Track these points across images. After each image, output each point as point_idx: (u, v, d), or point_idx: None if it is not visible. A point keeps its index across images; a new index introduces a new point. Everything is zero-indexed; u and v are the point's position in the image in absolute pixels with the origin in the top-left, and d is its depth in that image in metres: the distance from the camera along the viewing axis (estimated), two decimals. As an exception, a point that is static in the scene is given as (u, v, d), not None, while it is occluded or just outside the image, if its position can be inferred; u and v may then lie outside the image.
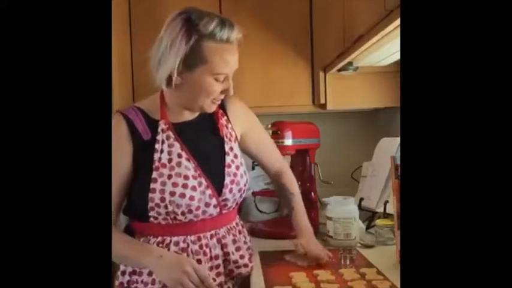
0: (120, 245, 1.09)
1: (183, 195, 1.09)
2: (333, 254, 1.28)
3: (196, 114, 1.19)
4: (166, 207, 1.09)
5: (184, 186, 1.09)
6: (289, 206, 1.32)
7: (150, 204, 1.09)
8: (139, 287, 1.11)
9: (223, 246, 1.17)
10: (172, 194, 1.08)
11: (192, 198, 1.10)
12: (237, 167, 1.19)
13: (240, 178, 1.19)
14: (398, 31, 1.04)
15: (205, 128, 1.19)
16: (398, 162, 1.18)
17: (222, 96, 1.14)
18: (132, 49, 2.01)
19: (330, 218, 1.42)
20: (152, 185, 1.08)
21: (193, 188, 1.10)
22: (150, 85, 1.98)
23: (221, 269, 1.16)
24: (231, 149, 1.20)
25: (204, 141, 1.17)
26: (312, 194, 1.69)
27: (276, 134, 1.62)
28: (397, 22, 0.96)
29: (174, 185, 1.08)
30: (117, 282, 1.14)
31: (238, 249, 1.20)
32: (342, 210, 1.41)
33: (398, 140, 1.57)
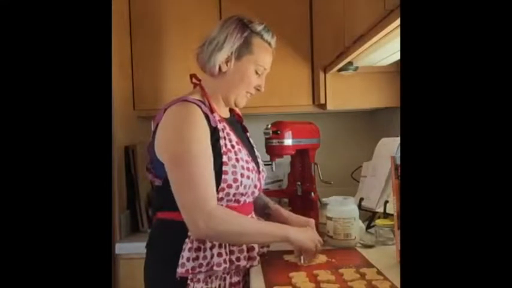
0: (261, 225, 1.21)
1: (248, 177, 1.20)
2: (332, 254, 1.28)
3: (228, 114, 1.32)
4: (237, 187, 1.17)
5: (248, 169, 1.20)
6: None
7: (222, 185, 1.15)
8: (202, 270, 1.13)
9: None
10: (242, 175, 1.18)
11: (252, 180, 1.22)
12: (260, 161, 1.34)
13: (265, 171, 1.34)
14: (398, 31, 1.04)
15: (237, 125, 1.34)
16: (398, 162, 1.18)
17: (254, 92, 1.28)
18: (132, 49, 2.01)
19: (330, 218, 1.42)
20: (224, 168, 1.15)
21: (251, 171, 1.22)
22: (150, 85, 2.00)
23: (253, 253, 1.23)
24: (254, 144, 1.37)
25: (241, 135, 1.31)
26: (312, 194, 1.68)
27: (276, 134, 1.62)
28: (397, 22, 0.97)
29: (243, 168, 1.19)
30: (182, 270, 1.12)
31: None
32: (342, 210, 1.41)
33: (398, 140, 1.57)
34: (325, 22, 1.76)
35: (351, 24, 1.32)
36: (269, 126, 1.65)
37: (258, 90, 1.29)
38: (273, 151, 1.64)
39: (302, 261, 1.22)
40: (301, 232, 1.21)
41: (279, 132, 1.62)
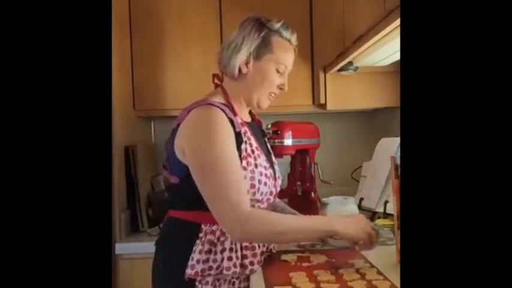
0: (301, 221, 1.15)
1: (265, 184, 1.18)
2: (332, 254, 1.28)
3: (249, 118, 1.31)
4: (254, 194, 1.15)
5: (265, 175, 1.19)
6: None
7: None
8: (212, 273, 1.12)
9: None
10: (260, 181, 1.17)
11: (268, 187, 1.20)
12: (276, 167, 1.33)
13: (281, 177, 1.32)
14: (398, 31, 1.04)
15: (257, 130, 1.33)
16: (398, 162, 1.18)
17: (277, 91, 1.26)
18: (132, 49, 2.01)
19: (330, 218, 1.42)
20: (243, 173, 1.14)
21: (269, 178, 1.20)
22: (150, 85, 2.00)
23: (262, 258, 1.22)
24: (271, 150, 1.37)
25: (260, 140, 1.30)
26: (312, 194, 1.69)
27: (276, 134, 1.62)
28: (397, 22, 0.97)
29: (261, 174, 1.17)
30: (191, 272, 1.11)
31: None
32: (342, 210, 1.41)
33: (398, 140, 1.57)
34: (325, 22, 1.76)
35: (351, 24, 1.32)
36: (269, 126, 1.65)
37: (282, 89, 1.27)
38: (273, 151, 1.64)
39: (358, 248, 1.17)
40: (350, 223, 1.14)
41: (279, 132, 1.62)
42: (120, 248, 1.72)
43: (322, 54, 1.88)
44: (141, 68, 2.01)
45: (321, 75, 1.93)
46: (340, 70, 1.70)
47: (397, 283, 1.02)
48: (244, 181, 1.12)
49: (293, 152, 1.67)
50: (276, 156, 1.67)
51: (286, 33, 1.23)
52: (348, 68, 1.66)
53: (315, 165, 1.73)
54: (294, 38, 1.26)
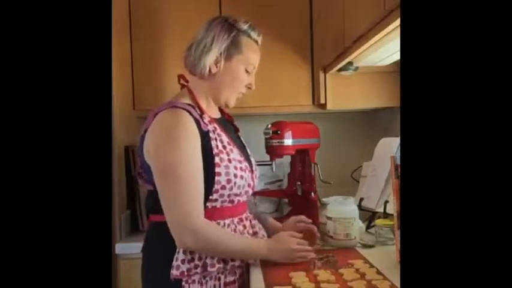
0: (238, 240, 1.18)
1: (241, 177, 1.20)
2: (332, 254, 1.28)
3: (219, 114, 1.32)
4: (231, 188, 1.17)
5: (241, 169, 1.20)
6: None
7: (216, 187, 1.15)
8: (198, 271, 1.14)
9: (253, 227, 1.29)
10: (235, 176, 1.18)
11: (245, 179, 1.21)
12: (252, 160, 1.34)
13: (258, 170, 1.33)
14: (398, 31, 1.04)
15: (228, 125, 1.34)
16: (398, 162, 1.18)
17: (245, 91, 1.28)
18: (132, 49, 2.01)
19: (330, 218, 1.42)
20: (217, 169, 1.16)
21: (244, 170, 1.22)
22: (150, 85, 2.00)
23: None
24: (245, 144, 1.37)
25: (232, 135, 1.31)
26: (312, 194, 1.68)
27: (276, 134, 1.62)
28: (397, 22, 0.97)
29: (235, 168, 1.18)
30: (176, 272, 1.13)
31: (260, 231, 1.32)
32: (342, 210, 1.41)
33: (398, 140, 1.57)
34: (325, 22, 1.76)
35: (351, 24, 1.32)
36: (269, 126, 1.65)
37: (249, 88, 1.29)
38: (273, 151, 1.64)
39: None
40: (274, 246, 1.19)
41: (279, 132, 1.62)
42: (120, 248, 1.72)
43: (322, 54, 1.88)
44: (141, 68, 2.01)
45: (321, 75, 1.93)
46: (340, 70, 1.70)
47: (397, 283, 1.02)
48: (201, 188, 1.13)
49: (293, 152, 1.67)
50: (276, 156, 1.67)
51: (254, 34, 1.26)
52: (348, 68, 1.66)
53: (315, 165, 1.73)
54: (260, 39, 1.28)
